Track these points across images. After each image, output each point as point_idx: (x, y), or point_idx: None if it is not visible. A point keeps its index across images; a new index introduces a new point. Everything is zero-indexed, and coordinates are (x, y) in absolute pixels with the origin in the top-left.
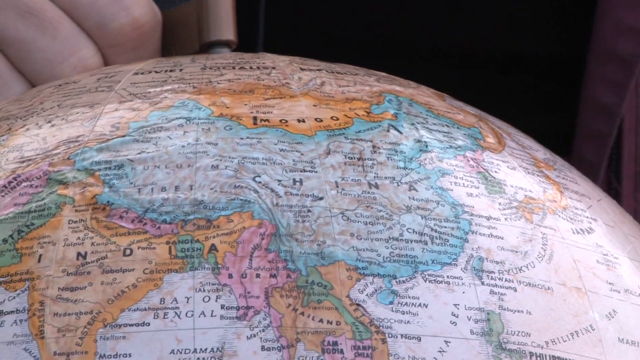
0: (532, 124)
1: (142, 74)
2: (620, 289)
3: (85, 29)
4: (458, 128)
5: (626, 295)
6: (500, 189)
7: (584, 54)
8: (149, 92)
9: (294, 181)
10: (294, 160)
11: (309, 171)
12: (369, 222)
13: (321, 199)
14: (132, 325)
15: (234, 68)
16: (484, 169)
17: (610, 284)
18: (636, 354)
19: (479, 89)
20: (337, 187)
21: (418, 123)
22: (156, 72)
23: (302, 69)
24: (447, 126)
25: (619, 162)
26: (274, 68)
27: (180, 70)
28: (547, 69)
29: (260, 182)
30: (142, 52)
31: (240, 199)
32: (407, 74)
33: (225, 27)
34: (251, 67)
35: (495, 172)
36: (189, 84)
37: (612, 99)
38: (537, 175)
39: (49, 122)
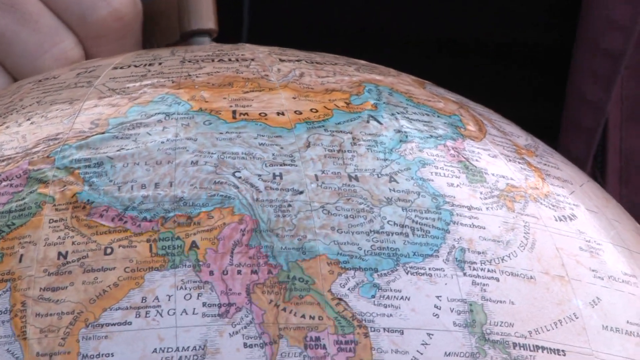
0: (520, 115)
1: (121, 68)
2: (604, 275)
3: (65, 21)
4: (438, 117)
5: (610, 282)
6: (482, 178)
7: (573, 45)
8: (128, 87)
9: (274, 175)
10: (273, 154)
11: (289, 165)
12: (350, 215)
13: (301, 192)
14: (114, 324)
15: (213, 60)
16: (465, 158)
17: (593, 270)
18: (621, 340)
19: (467, 79)
20: (317, 180)
21: (398, 113)
22: (135, 66)
23: (281, 60)
24: (428, 115)
25: (604, 157)
26: (253, 60)
27: (160, 63)
28: (536, 59)
29: (240, 177)
30: (124, 43)
31: (221, 195)
32: (393, 63)
33: (206, 16)
34: (230, 60)
35: (476, 160)
36: (168, 78)
37: (598, 94)
38: (519, 163)
39: (29, 119)
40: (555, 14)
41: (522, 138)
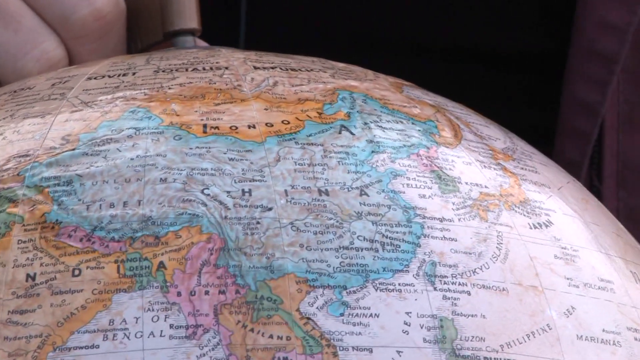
0: (516, 121)
1: (95, 78)
2: (579, 283)
3: (47, 22)
4: (413, 123)
5: (585, 290)
6: (455, 187)
7: (568, 49)
8: (100, 100)
9: (243, 192)
10: (243, 170)
11: (258, 180)
12: (319, 232)
13: (270, 209)
14: (81, 347)
15: (187, 70)
16: (438, 167)
17: (568, 279)
18: (596, 350)
19: (462, 85)
20: (287, 195)
21: (371, 121)
22: (109, 76)
23: (255, 68)
24: (402, 122)
25: (600, 161)
26: (227, 68)
27: (134, 74)
28: (532, 65)
29: (209, 195)
30: (107, 42)
31: (189, 213)
32: (387, 68)
33: (189, 15)
34: (204, 69)
35: (450, 169)
36: (140, 90)
37: (594, 97)
38: (494, 169)
39: (1, 134)
40: (550, 19)
41: (500, 141)
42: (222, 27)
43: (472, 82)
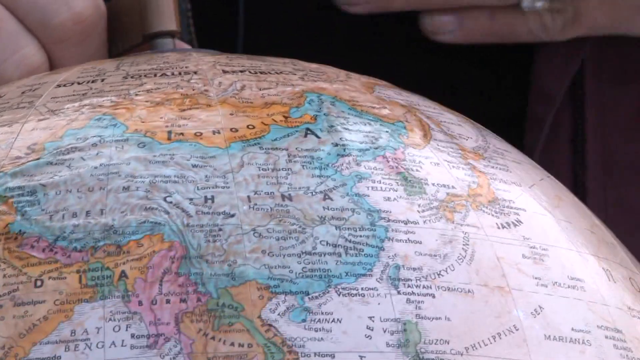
0: (490, 111)
1: (64, 86)
2: (548, 282)
3: (27, 27)
4: (381, 125)
5: (554, 289)
6: (421, 189)
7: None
8: (67, 108)
9: (206, 199)
10: (206, 176)
11: (221, 187)
12: (281, 237)
13: (233, 215)
14: (43, 359)
15: (155, 75)
16: (405, 169)
17: (536, 278)
18: (565, 349)
19: (437, 77)
20: (250, 201)
21: (338, 124)
22: (78, 83)
23: (224, 72)
24: (370, 124)
25: (584, 156)
26: (195, 73)
27: (102, 80)
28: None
29: (171, 202)
30: (87, 46)
31: (151, 222)
32: (365, 62)
33: (167, 17)
34: (172, 74)
35: (417, 170)
36: (107, 97)
37: (552, 85)
38: (463, 169)
39: None
40: None
41: (472, 140)
42: (220, 30)
43: (447, 73)
